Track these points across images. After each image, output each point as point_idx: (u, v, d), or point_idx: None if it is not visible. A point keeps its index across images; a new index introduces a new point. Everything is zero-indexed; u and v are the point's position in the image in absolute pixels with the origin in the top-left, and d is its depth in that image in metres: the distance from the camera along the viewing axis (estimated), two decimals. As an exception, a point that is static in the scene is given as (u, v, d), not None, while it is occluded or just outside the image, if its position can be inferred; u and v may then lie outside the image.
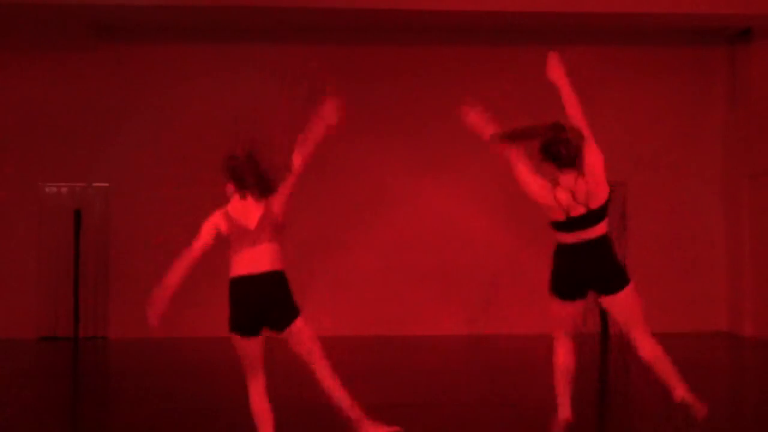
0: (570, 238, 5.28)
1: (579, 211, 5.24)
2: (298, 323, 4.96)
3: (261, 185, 5.00)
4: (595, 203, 5.24)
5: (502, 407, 6.96)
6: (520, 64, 13.27)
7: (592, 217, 5.24)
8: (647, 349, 5.25)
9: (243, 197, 5.00)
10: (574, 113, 5.56)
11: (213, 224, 5.15)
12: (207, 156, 12.84)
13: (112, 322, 12.56)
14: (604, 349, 11.74)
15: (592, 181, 5.24)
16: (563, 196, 5.25)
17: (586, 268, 5.29)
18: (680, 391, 5.26)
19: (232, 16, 11.95)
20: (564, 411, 5.46)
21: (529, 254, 13.03)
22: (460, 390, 7.96)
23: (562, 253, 5.36)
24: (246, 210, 4.99)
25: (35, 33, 12.57)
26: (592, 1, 11.47)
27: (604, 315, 13.05)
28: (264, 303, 4.92)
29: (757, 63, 12.64)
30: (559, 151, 5.27)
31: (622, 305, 5.32)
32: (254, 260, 4.98)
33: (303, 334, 4.97)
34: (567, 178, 5.30)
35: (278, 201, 5.06)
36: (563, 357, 5.47)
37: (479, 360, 10.45)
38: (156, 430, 6.22)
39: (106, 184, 12.75)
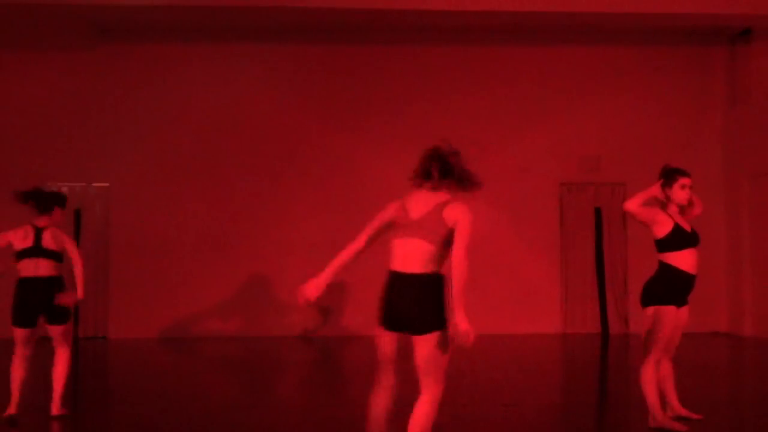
0: None
1: None
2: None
3: None
4: None
5: (502, 407, 6.96)
6: (520, 64, 13.31)
7: None
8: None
9: None
10: None
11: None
12: (207, 156, 12.92)
13: (112, 322, 12.56)
14: (604, 349, 11.74)
15: None
16: None
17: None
18: None
19: (231, 16, 11.96)
20: None
21: (529, 254, 13.05)
22: (459, 390, 7.96)
23: None
24: None
25: (35, 33, 12.58)
26: (592, 1, 11.48)
27: (604, 315, 13.07)
28: None
29: (757, 63, 12.64)
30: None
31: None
32: None
33: None
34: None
35: None
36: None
37: (479, 360, 10.44)
38: (155, 430, 6.21)
39: (106, 184, 12.75)
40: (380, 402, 4.35)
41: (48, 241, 6.51)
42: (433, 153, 4.53)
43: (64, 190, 12.74)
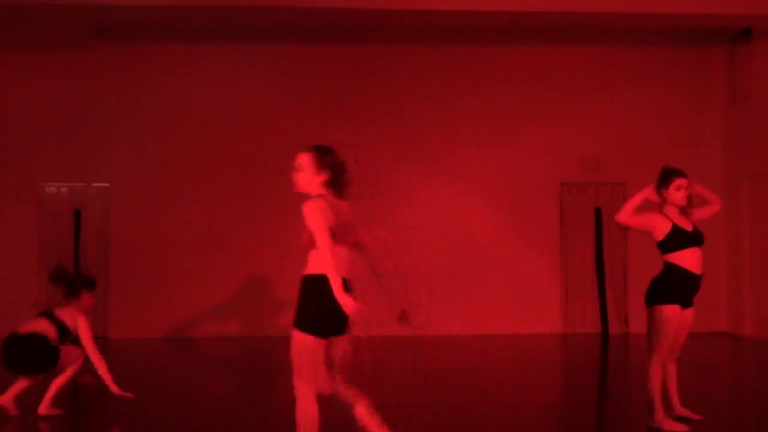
0: None
1: None
2: None
3: None
4: None
5: (502, 407, 6.96)
6: (520, 64, 13.30)
7: None
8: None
9: None
10: None
11: None
12: (206, 155, 12.92)
13: (112, 322, 12.55)
14: (604, 348, 11.75)
15: None
16: None
17: None
18: None
19: (231, 16, 11.94)
20: None
21: (529, 254, 13.05)
22: (460, 390, 7.96)
23: None
24: None
25: (35, 33, 12.57)
26: (592, 1, 11.47)
27: (604, 315, 13.06)
28: None
29: (757, 63, 12.64)
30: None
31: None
32: None
33: None
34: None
35: None
36: None
37: (479, 360, 10.45)
38: (156, 430, 6.21)
39: (106, 184, 12.74)
40: (317, 411, 4.44)
41: (63, 313, 6.50)
42: (343, 163, 4.75)
43: (64, 190, 12.78)
